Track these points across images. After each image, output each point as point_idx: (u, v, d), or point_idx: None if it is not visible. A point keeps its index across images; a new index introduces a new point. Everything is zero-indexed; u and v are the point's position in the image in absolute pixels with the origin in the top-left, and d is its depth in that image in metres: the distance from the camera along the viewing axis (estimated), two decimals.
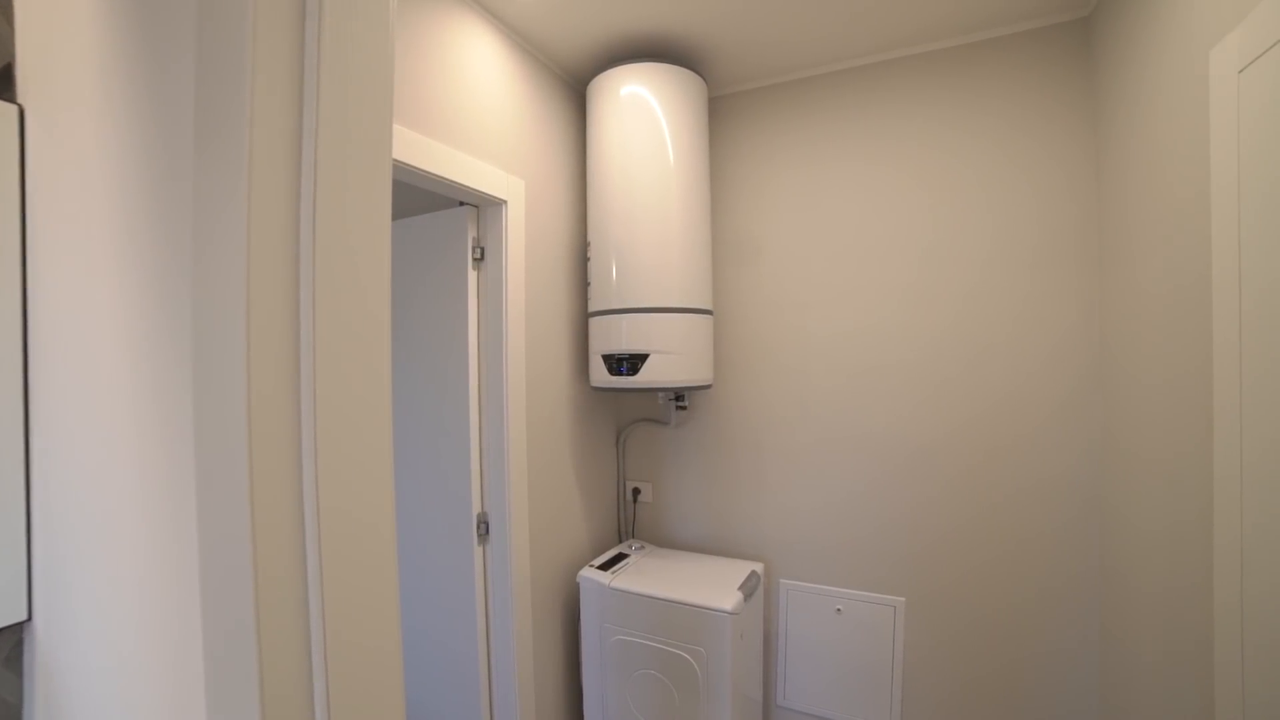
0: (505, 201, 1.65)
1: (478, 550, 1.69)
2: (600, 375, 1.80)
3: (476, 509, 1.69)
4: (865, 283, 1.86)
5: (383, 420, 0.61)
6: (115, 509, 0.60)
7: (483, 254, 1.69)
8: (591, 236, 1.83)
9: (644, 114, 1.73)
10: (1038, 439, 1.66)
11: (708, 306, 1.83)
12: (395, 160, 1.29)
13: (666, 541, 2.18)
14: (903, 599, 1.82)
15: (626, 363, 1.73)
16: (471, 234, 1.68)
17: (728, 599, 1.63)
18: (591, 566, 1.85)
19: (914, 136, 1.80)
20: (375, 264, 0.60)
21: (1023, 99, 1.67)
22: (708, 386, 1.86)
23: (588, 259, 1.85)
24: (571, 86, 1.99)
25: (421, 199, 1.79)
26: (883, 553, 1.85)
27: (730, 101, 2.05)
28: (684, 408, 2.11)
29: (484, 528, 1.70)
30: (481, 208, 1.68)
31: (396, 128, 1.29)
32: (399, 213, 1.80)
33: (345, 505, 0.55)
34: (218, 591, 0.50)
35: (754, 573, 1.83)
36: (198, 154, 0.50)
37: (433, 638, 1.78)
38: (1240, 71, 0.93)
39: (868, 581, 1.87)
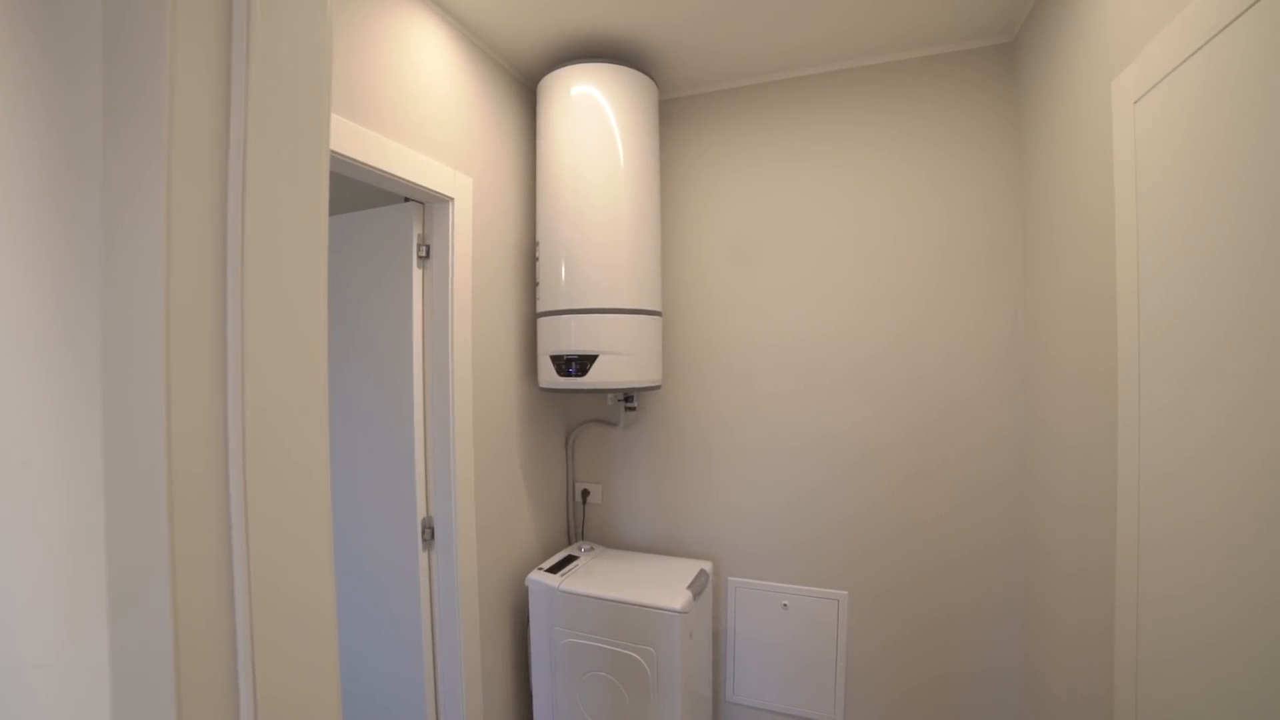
0: (452, 199, 1.62)
1: (423, 556, 1.65)
2: (549, 376, 1.79)
3: (421, 514, 1.65)
4: (809, 287, 1.93)
5: (318, 422, 0.59)
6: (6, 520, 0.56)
7: (428, 252, 1.65)
8: (540, 236, 1.81)
9: (595, 114, 1.73)
10: (968, 436, 1.76)
11: (657, 308, 1.85)
12: (336, 153, 1.24)
13: (616, 542, 2.19)
14: (845, 592, 1.89)
15: (575, 363, 1.73)
16: (417, 231, 1.64)
17: (677, 598, 1.65)
18: (540, 569, 1.83)
19: (855, 147, 1.87)
20: (311, 260, 0.58)
21: (955, 115, 1.77)
22: (657, 387, 1.88)
23: (536, 259, 1.84)
24: (522, 84, 1.97)
25: (365, 194, 1.73)
26: (827, 548, 1.92)
27: (681, 105, 2.08)
28: (633, 409, 2.12)
29: (429, 533, 1.65)
30: (427, 205, 1.64)
31: (338, 119, 1.25)
32: (340, 207, 1.73)
33: (277, 513, 0.53)
34: (128, 610, 0.47)
35: (703, 571, 1.86)
36: (108, 142, 0.47)
37: (376, 647, 1.72)
38: (1136, 102, 1.02)
39: (812, 576, 1.93)
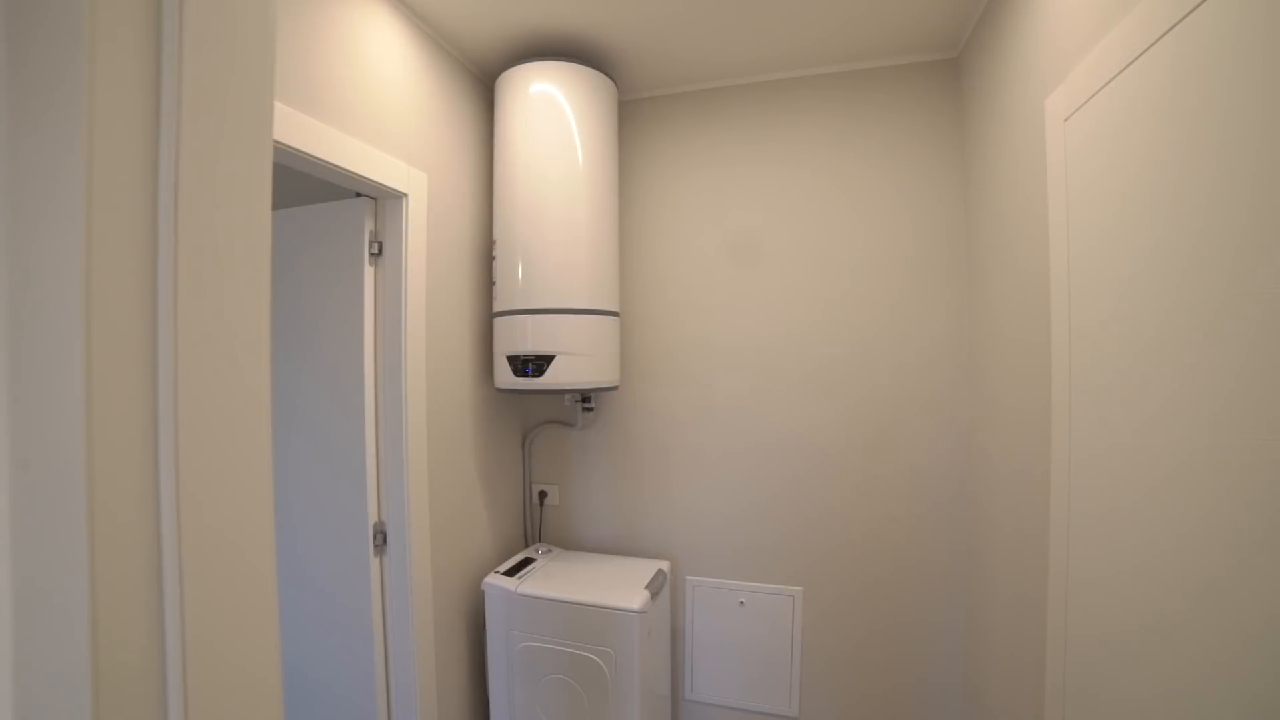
0: (406, 195, 1.58)
1: (374, 561, 1.60)
2: (505, 377, 1.77)
3: (373, 518, 1.60)
4: (766, 290, 1.97)
5: (260, 425, 0.57)
6: None
7: (381, 249, 1.60)
8: (497, 235, 1.79)
9: (554, 113, 1.72)
10: (916, 435, 1.83)
11: (614, 308, 1.85)
12: (282, 144, 1.19)
13: (574, 544, 2.18)
14: (800, 588, 1.94)
15: (532, 364, 1.71)
16: (369, 227, 1.59)
17: (635, 598, 1.66)
18: (497, 573, 1.81)
19: (811, 154, 1.92)
20: (253, 254, 0.56)
21: (906, 124, 1.84)
22: (614, 388, 1.88)
23: (493, 258, 1.81)
24: (479, 80, 1.94)
25: (314, 188, 1.67)
26: (783, 548, 1.96)
27: (641, 106, 2.09)
28: (590, 409, 2.11)
29: (381, 537, 1.61)
30: (380, 200, 1.60)
31: (285, 109, 1.20)
32: (288, 201, 1.67)
33: (214, 522, 0.51)
34: (38, 634, 0.44)
35: (661, 571, 1.88)
36: (12, 125, 0.44)
37: (324, 657, 1.66)
38: (1066, 120, 1.08)
39: (769, 575, 1.97)
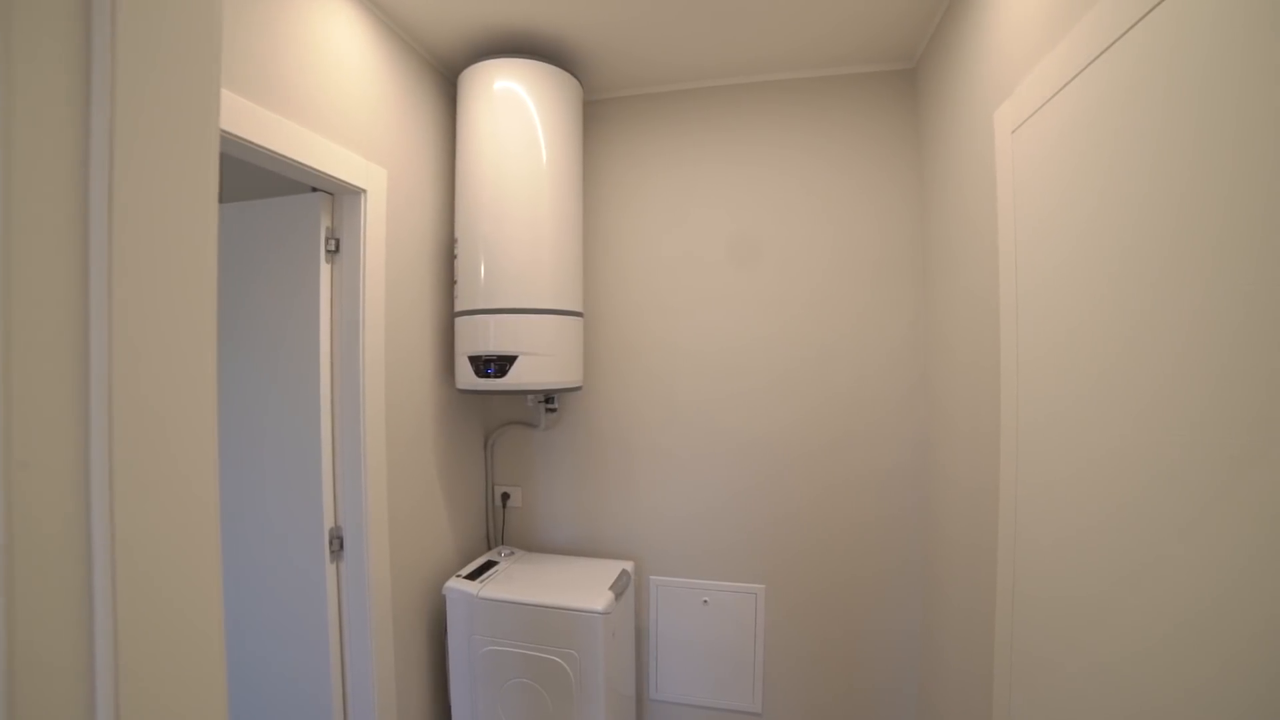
0: (364, 191, 1.54)
1: (330, 568, 1.55)
2: (466, 377, 1.74)
3: (329, 523, 1.55)
4: (728, 292, 1.99)
5: (205, 428, 0.54)
6: None
7: (338, 246, 1.56)
8: (459, 233, 1.76)
9: (518, 110, 1.70)
10: (877, 435, 1.88)
11: (578, 308, 1.84)
12: (233, 135, 1.15)
13: (537, 546, 2.16)
14: (763, 586, 1.96)
15: (494, 364, 1.69)
16: (325, 224, 1.54)
17: (599, 599, 1.65)
18: (459, 577, 1.78)
19: (774, 156, 1.95)
20: (196, 248, 0.53)
21: (866, 131, 1.89)
22: (578, 389, 1.87)
23: (455, 256, 1.78)
24: (442, 75, 1.91)
25: (268, 182, 1.60)
26: (745, 545, 1.98)
27: (606, 107, 2.08)
28: (554, 410, 2.10)
29: (338, 543, 1.56)
30: (337, 196, 1.55)
31: (237, 99, 1.15)
32: (239, 194, 1.61)
33: (153, 528, 0.48)
34: None
35: (625, 572, 1.87)
36: None
37: (278, 668, 1.59)
38: (1013, 132, 1.13)
39: (732, 572, 1.99)
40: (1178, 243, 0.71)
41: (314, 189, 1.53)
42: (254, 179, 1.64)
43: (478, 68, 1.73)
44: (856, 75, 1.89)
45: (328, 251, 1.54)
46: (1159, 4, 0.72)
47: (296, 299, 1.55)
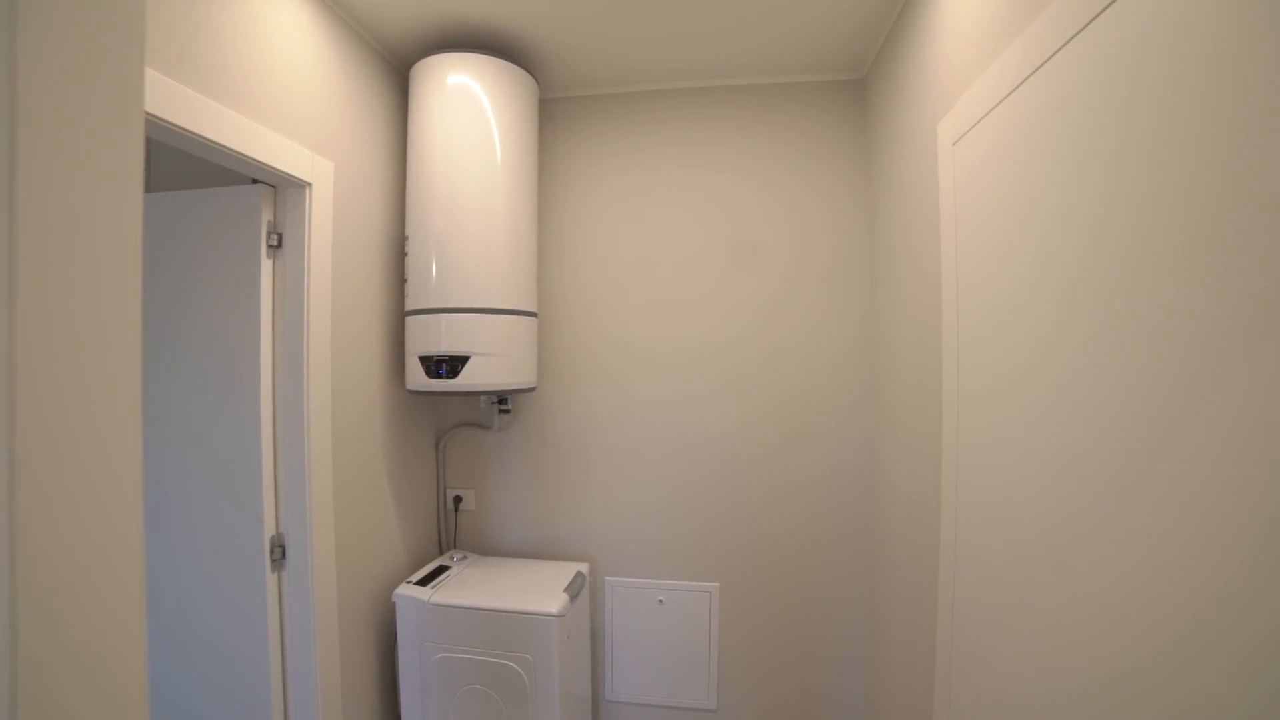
0: (309, 184, 1.48)
1: (271, 578, 1.48)
2: (417, 378, 1.69)
3: (271, 530, 1.48)
4: (683, 293, 2.00)
5: (126, 432, 0.51)
6: None
7: (280, 241, 1.49)
8: (410, 230, 1.71)
9: (472, 106, 1.67)
10: (828, 440, 1.93)
11: (532, 308, 1.82)
12: (166, 121, 1.08)
13: (491, 549, 2.12)
14: (717, 584, 1.99)
15: (446, 365, 1.65)
16: (267, 217, 1.47)
17: (553, 602, 1.64)
18: (409, 583, 1.73)
19: (731, 160, 1.98)
20: (118, 240, 0.50)
21: (821, 137, 1.94)
22: (532, 389, 1.85)
23: (406, 254, 1.73)
24: (393, 67, 1.85)
25: (205, 171, 1.52)
26: (700, 545, 2.00)
27: (563, 105, 2.07)
28: (507, 411, 2.07)
29: (280, 551, 1.49)
30: (280, 188, 1.48)
31: (170, 83, 1.09)
32: (171, 183, 1.52)
33: (60, 544, 0.45)
34: None
35: (579, 573, 1.86)
36: None
37: (212, 691, 1.51)
38: (955, 143, 1.18)
39: (686, 571, 2.01)
40: (1095, 252, 0.76)
41: (255, 180, 1.46)
42: (189, 167, 1.55)
43: (431, 61, 1.69)
44: (810, 83, 1.94)
45: (269, 246, 1.47)
46: (1086, 26, 0.76)
47: (236, 295, 1.47)
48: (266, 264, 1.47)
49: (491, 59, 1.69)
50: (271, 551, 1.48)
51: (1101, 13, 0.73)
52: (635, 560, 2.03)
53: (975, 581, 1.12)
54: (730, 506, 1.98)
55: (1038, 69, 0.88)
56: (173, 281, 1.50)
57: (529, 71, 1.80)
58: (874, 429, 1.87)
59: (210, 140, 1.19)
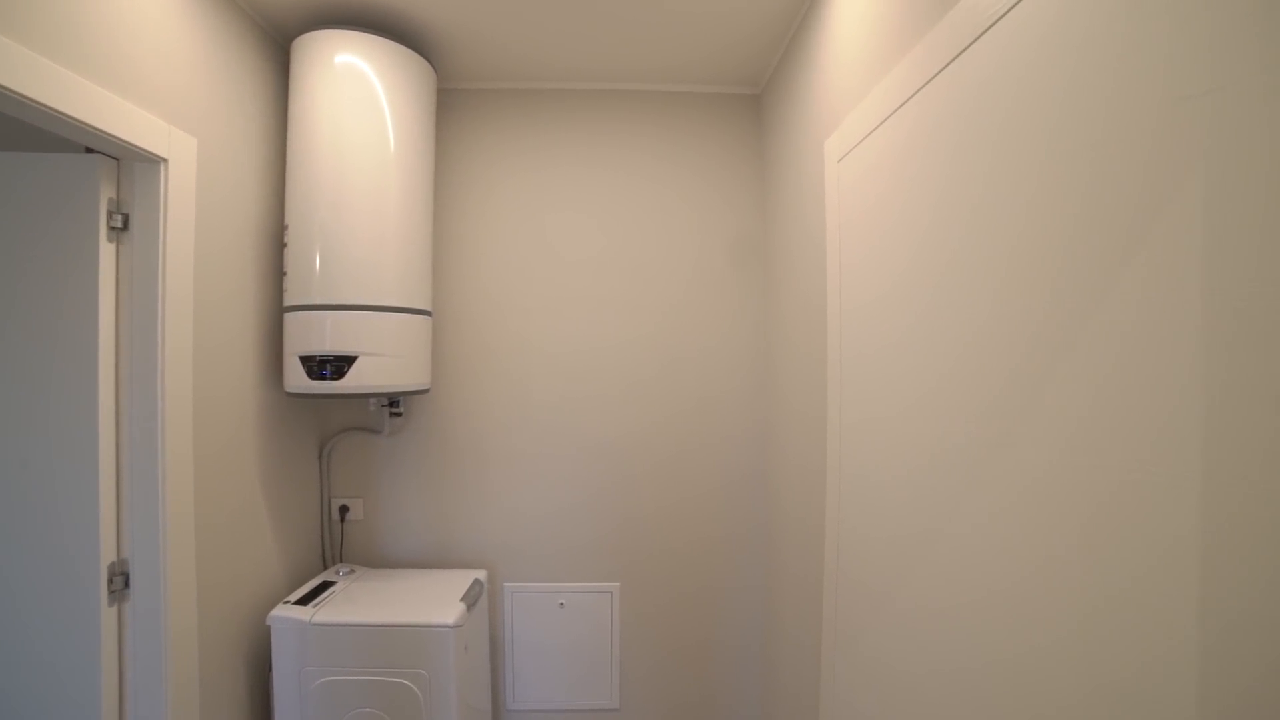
0: (165, 160, 1.30)
1: (109, 612, 1.28)
2: (298, 379, 1.55)
3: (108, 558, 1.28)
4: (582, 293, 2.00)
5: None
6: None
7: (126, 223, 1.30)
8: (290, 219, 1.57)
9: (363, 90, 1.56)
10: (725, 441, 2.01)
11: (426, 307, 1.73)
12: None
13: (382, 561, 1.99)
14: (617, 584, 2.00)
15: (330, 365, 1.53)
16: (107, 194, 1.27)
17: (449, 612, 1.57)
18: (287, 603, 1.58)
19: (633, 162, 2.01)
20: None
21: (720, 144, 2.02)
22: (425, 391, 1.76)
23: (285, 244, 1.58)
24: (273, 40, 1.68)
25: (24, 134, 1.29)
26: (600, 545, 2.01)
27: (463, 97, 1.99)
28: (399, 414, 1.96)
29: (121, 580, 1.30)
30: (125, 162, 1.29)
31: None
32: None
33: None
34: None
35: (477, 581, 1.80)
36: None
37: None
38: (839, 160, 1.29)
39: (587, 572, 2.01)
40: (956, 264, 0.86)
41: (89, 149, 1.26)
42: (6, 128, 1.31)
43: (316, 36, 1.55)
44: (710, 95, 2.02)
45: (112, 228, 1.28)
46: (956, 58, 0.86)
47: (64, 282, 1.26)
48: (108, 248, 1.28)
49: (385, 40, 1.59)
50: (110, 581, 1.28)
51: (967, 48, 0.83)
52: (535, 563, 2.00)
53: (857, 558, 1.22)
54: (629, 507, 2.01)
55: (911, 97, 0.98)
56: None
57: (425, 57, 1.71)
58: (766, 434, 1.98)
59: (24, 96, 0.98)
